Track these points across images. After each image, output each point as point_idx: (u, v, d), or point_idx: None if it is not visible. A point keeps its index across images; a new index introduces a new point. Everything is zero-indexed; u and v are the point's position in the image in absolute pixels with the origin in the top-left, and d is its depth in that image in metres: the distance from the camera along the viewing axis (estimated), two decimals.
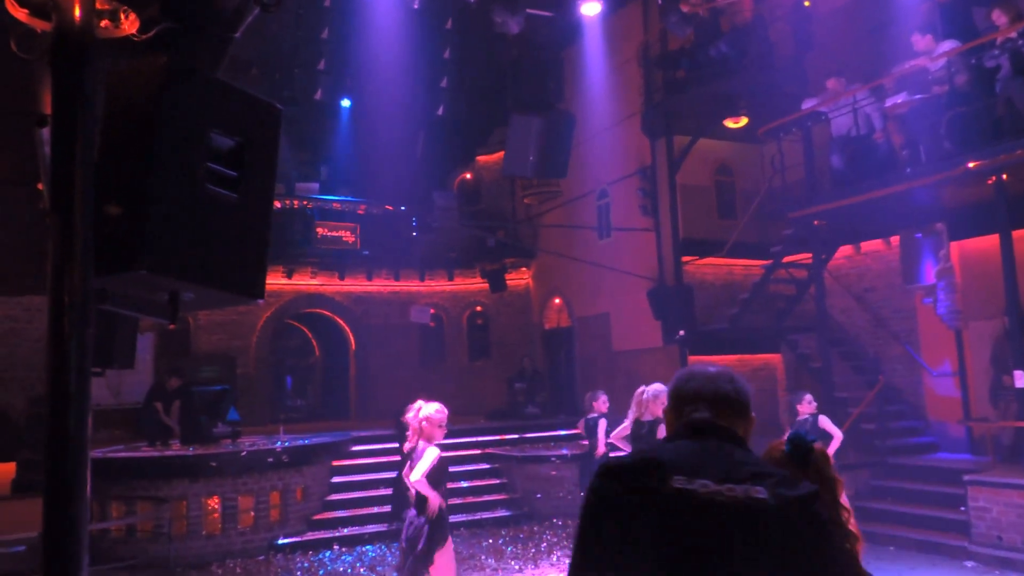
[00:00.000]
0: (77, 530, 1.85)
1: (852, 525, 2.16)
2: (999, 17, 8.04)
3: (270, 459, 10.28)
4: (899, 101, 8.93)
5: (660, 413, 6.94)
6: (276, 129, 2.41)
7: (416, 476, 5.12)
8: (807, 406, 7.78)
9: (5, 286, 8.37)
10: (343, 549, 9.94)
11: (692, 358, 12.12)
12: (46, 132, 2.15)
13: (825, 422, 7.68)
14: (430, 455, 5.19)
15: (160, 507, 9.20)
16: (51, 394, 1.91)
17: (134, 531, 9.60)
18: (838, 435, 7.59)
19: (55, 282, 1.92)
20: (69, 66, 1.98)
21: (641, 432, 7.03)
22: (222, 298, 2.33)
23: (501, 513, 11.40)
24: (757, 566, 1.61)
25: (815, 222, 10.26)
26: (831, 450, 7.08)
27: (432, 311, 17.16)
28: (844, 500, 2.26)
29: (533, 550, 9.46)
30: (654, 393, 6.94)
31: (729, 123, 11.84)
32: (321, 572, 8.90)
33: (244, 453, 10.25)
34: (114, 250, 2.01)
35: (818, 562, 1.64)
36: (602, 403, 8.21)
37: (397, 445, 12.23)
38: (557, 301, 16.93)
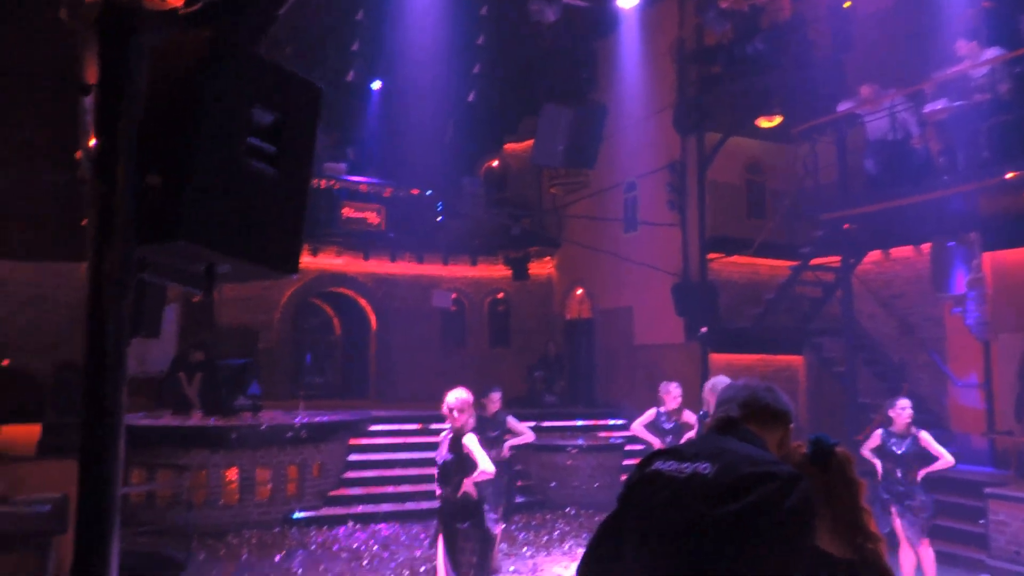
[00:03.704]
0: (110, 494, 1.88)
1: (873, 526, 2.16)
2: None
3: (289, 434, 10.40)
4: (939, 107, 8.78)
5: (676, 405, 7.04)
6: (316, 107, 2.42)
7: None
8: (902, 413, 6.54)
9: (34, 252, 8.50)
10: (357, 526, 10.04)
11: (714, 356, 12.06)
12: (89, 101, 2.18)
13: (927, 441, 6.48)
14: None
15: (180, 475, 9.35)
16: (88, 361, 1.94)
17: (154, 498, 9.77)
18: (945, 458, 6.53)
19: (96, 249, 1.95)
20: (116, 36, 2.00)
21: (661, 423, 7.19)
22: (257, 271, 2.35)
23: (515, 500, 11.43)
24: (698, 547, 1.70)
25: (846, 225, 10.14)
26: (938, 467, 6.45)
27: (453, 296, 17.21)
28: (865, 503, 2.25)
29: (546, 538, 9.50)
30: (666, 388, 7.27)
31: (762, 122, 11.74)
32: (335, 547, 9.00)
33: (264, 427, 10.39)
34: (153, 220, 2.03)
35: (771, 553, 1.68)
36: (672, 397, 7.35)
37: (417, 427, 12.35)
38: (579, 292, 16.90)
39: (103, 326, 1.92)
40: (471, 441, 5.28)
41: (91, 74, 2.18)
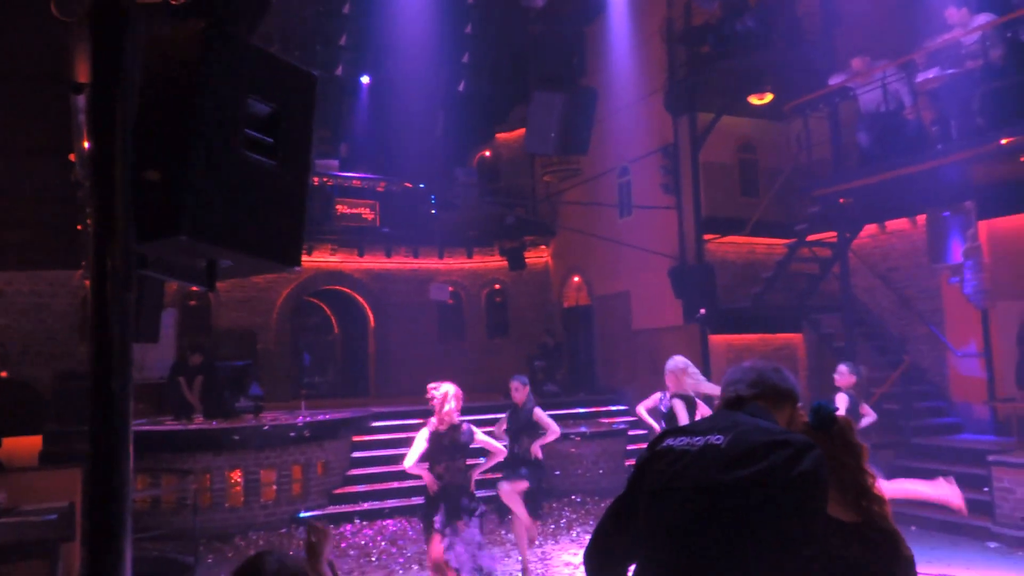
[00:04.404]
0: (121, 496, 1.85)
1: (878, 489, 2.16)
2: None
3: (292, 433, 10.38)
4: (931, 76, 8.77)
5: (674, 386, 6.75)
6: (312, 96, 2.39)
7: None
8: (843, 379, 6.93)
9: (33, 261, 8.46)
10: (364, 523, 10.04)
11: (713, 337, 12.07)
12: (81, 99, 2.15)
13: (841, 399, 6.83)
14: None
15: (184, 479, 9.32)
16: (94, 359, 1.91)
17: (159, 503, 9.74)
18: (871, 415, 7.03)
19: (97, 247, 1.92)
20: (109, 29, 1.97)
21: (660, 406, 7.02)
22: (259, 265, 2.33)
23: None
24: (713, 513, 1.72)
25: (841, 200, 10.14)
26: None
27: (450, 289, 17.18)
28: (869, 467, 2.25)
29: (552, 526, 9.50)
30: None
31: (754, 99, 11.70)
32: (343, 545, 8.99)
33: (266, 427, 10.36)
34: (153, 216, 2.00)
35: (792, 522, 1.69)
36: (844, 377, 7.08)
37: (420, 422, 12.32)
38: (576, 279, 16.89)
39: (107, 322, 1.89)
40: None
41: (83, 72, 2.14)
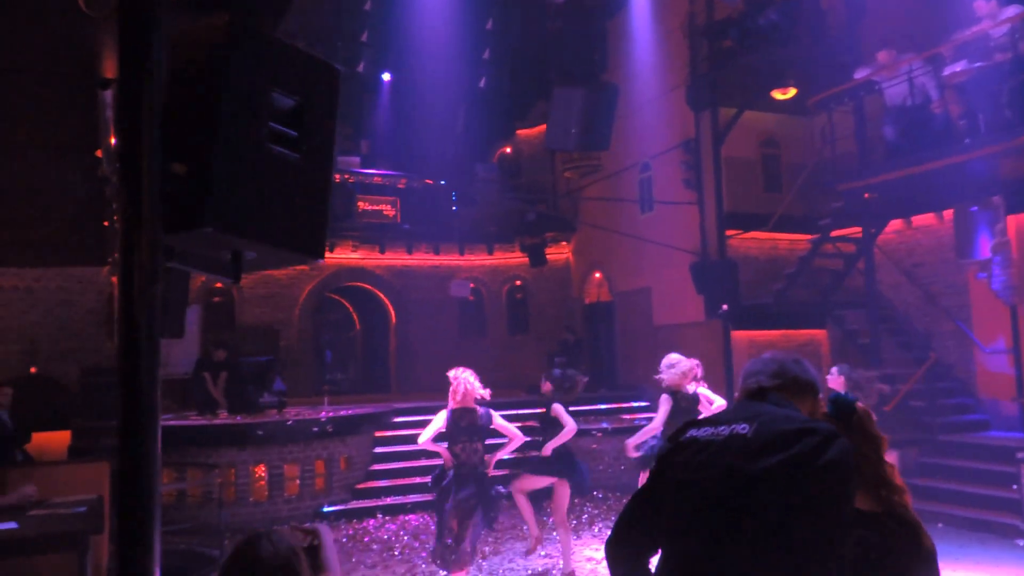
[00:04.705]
0: (149, 490, 1.87)
1: (897, 479, 2.15)
2: None
3: (315, 428, 10.46)
4: (958, 69, 8.63)
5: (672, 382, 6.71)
6: (335, 89, 2.40)
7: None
8: (833, 380, 6.70)
9: (60, 257, 8.58)
10: (386, 518, 10.09)
11: (735, 333, 11.98)
12: (108, 95, 2.17)
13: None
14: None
15: (209, 474, 9.42)
16: (121, 352, 1.93)
17: (185, 497, 9.86)
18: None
19: (124, 240, 1.94)
20: (136, 24, 1.98)
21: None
22: (284, 257, 2.34)
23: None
24: (741, 502, 1.71)
25: (866, 195, 10.02)
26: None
27: (471, 285, 17.20)
28: (889, 457, 2.24)
29: (574, 521, 9.49)
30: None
31: (777, 94, 11.58)
32: (366, 539, 9.05)
33: (290, 422, 10.45)
34: (180, 208, 2.02)
35: (819, 507, 1.68)
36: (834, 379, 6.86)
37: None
38: (597, 275, 16.84)
39: (134, 314, 1.91)
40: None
41: (110, 68, 2.17)
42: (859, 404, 2.17)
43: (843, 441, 1.72)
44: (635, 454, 6.70)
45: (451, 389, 5.97)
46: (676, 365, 6.65)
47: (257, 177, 2.11)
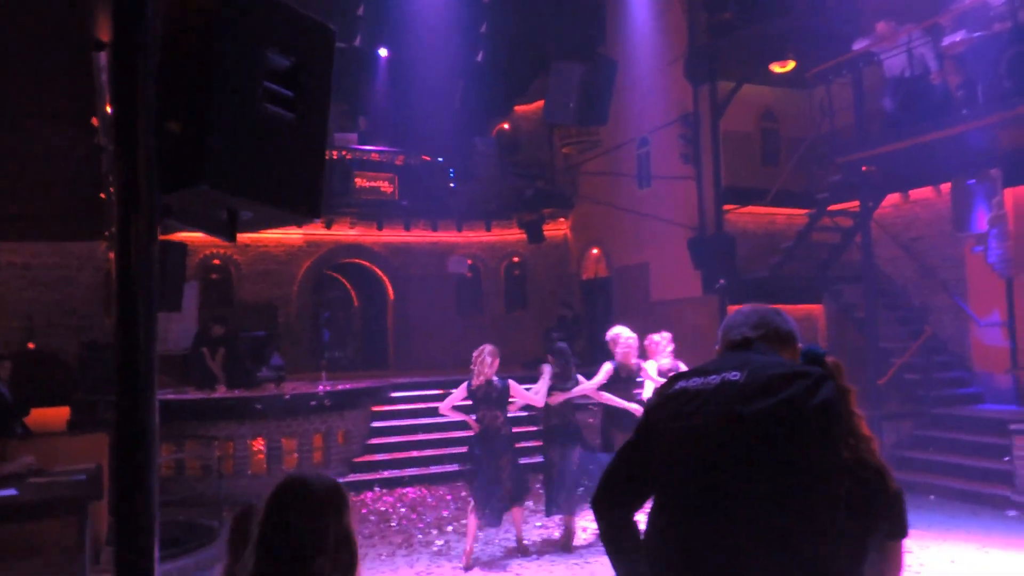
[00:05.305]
0: (148, 461, 1.86)
1: (865, 429, 2.19)
2: None
3: (313, 403, 10.51)
4: (957, 39, 8.59)
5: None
6: (331, 50, 2.40)
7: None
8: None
9: (56, 231, 8.55)
10: (383, 491, 10.17)
11: (732, 308, 12.00)
12: (103, 57, 2.16)
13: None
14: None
15: (208, 447, 9.48)
16: (120, 310, 1.94)
17: (183, 469, 9.92)
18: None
19: (122, 198, 1.94)
20: None
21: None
22: (279, 216, 2.34)
23: (539, 459, 11.52)
24: (738, 444, 1.73)
25: (864, 168, 10.01)
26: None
27: (469, 262, 17.21)
28: (857, 408, 2.27)
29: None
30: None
31: (775, 67, 11.52)
32: (363, 511, 9.13)
33: (288, 397, 10.50)
34: (176, 167, 2.02)
35: (813, 450, 1.71)
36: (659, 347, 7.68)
37: (439, 393, 12.42)
38: (595, 251, 16.86)
39: (132, 274, 1.92)
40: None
41: (104, 30, 2.16)
42: (829, 357, 2.20)
43: (833, 383, 1.75)
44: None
45: (474, 363, 6.77)
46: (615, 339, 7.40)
47: (253, 136, 2.12)
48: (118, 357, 1.91)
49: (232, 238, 2.25)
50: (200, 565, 6.93)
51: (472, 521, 6.74)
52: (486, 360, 6.74)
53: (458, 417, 7.14)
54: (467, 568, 6.66)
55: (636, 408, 6.78)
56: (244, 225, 2.27)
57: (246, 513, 2.05)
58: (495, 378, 6.78)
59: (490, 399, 6.76)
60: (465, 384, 6.79)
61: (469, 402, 6.88)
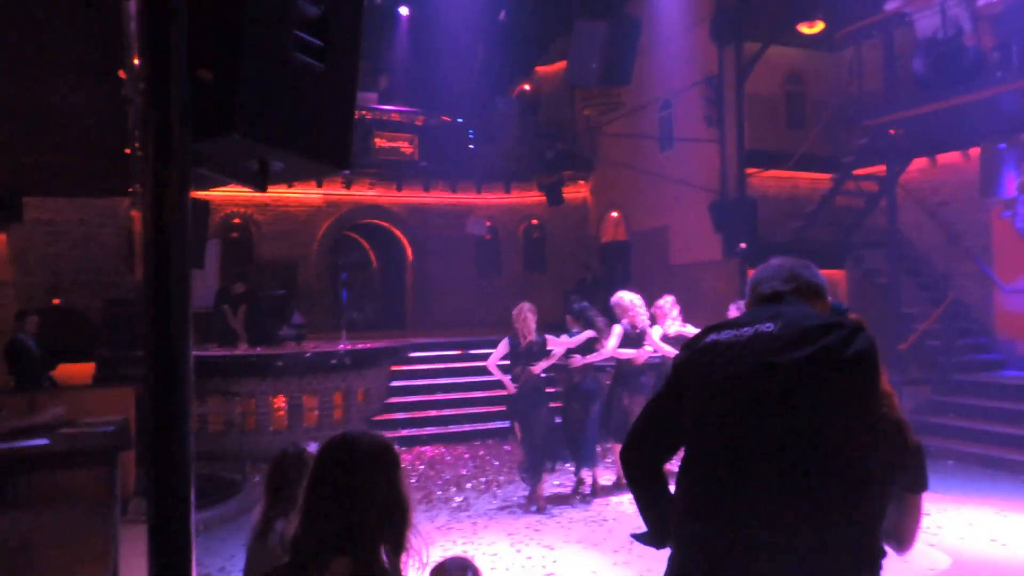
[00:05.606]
0: (182, 415, 1.86)
1: (886, 384, 2.18)
2: None
3: (333, 361, 10.61)
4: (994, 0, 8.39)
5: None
6: (360, 0, 2.38)
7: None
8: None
9: (80, 186, 8.60)
10: (402, 448, 10.29)
11: (752, 272, 11.94)
12: (132, 6, 2.15)
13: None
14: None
15: (230, 402, 9.62)
16: (154, 259, 1.94)
17: (206, 424, 10.09)
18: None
19: (155, 146, 1.94)
20: None
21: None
22: (309, 167, 2.34)
23: (556, 420, 11.61)
24: (772, 394, 1.72)
25: (892, 131, 9.85)
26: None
27: (488, 224, 17.18)
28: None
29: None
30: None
31: (803, 28, 11.29)
32: None
33: (308, 355, 10.60)
34: (207, 115, 2.02)
35: (853, 399, 1.71)
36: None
37: (457, 353, 12.52)
38: (615, 214, 16.76)
39: (165, 222, 1.92)
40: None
41: None
42: (851, 314, 2.18)
43: (867, 333, 1.74)
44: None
45: (515, 321, 7.14)
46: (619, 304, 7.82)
47: (283, 85, 2.11)
48: (151, 302, 1.91)
49: (263, 188, 2.26)
50: (224, 517, 7.08)
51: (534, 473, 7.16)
52: (528, 317, 7.11)
53: (499, 376, 7.38)
54: (540, 511, 7.03)
55: (670, 351, 7.19)
56: (275, 176, 2.27)
57: (282, 458, 2.08)
58: (535, 334, 7.16)
59: (531, 353, 7.10)
60: (507, 340, 7.17)
61: (507, 362, 7.25)
